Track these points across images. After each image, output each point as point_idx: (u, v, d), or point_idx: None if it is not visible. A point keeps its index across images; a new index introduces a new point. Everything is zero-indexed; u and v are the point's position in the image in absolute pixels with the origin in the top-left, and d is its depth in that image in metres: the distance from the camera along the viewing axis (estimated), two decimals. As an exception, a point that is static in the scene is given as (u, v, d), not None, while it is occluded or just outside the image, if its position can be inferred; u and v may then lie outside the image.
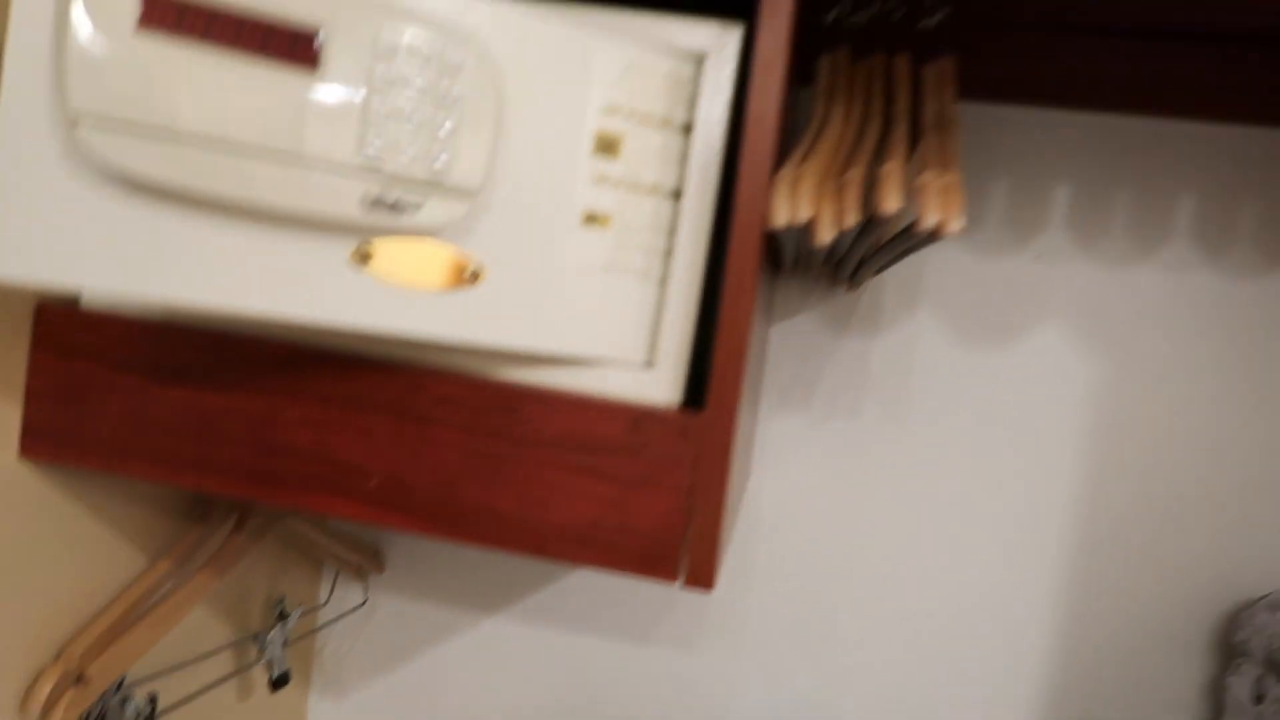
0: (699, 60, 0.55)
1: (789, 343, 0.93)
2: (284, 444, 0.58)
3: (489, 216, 0.52)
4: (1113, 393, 0.88)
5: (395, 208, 0.48)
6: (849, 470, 0.93)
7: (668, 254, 0.56)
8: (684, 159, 0.56)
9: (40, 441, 0.60)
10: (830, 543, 0.94)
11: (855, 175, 0.54)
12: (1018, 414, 0.89)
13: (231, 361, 0.57)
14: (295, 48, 0.45)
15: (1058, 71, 0.82)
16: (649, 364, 0.56)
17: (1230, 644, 0.85)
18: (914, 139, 0.62)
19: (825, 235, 0.51)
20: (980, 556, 0.91)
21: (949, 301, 0.90)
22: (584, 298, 0.55)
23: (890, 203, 0.50)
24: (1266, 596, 0.83)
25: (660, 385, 0.56)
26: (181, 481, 0.59)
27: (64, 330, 0.58)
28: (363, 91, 0.47)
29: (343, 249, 0.49)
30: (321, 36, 0.45)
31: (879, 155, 0.58)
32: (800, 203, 0.51)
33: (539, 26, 0.52)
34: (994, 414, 0.90)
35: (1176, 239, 0.87)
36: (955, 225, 0.50)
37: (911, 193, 0.52)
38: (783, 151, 0.57)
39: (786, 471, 0.94)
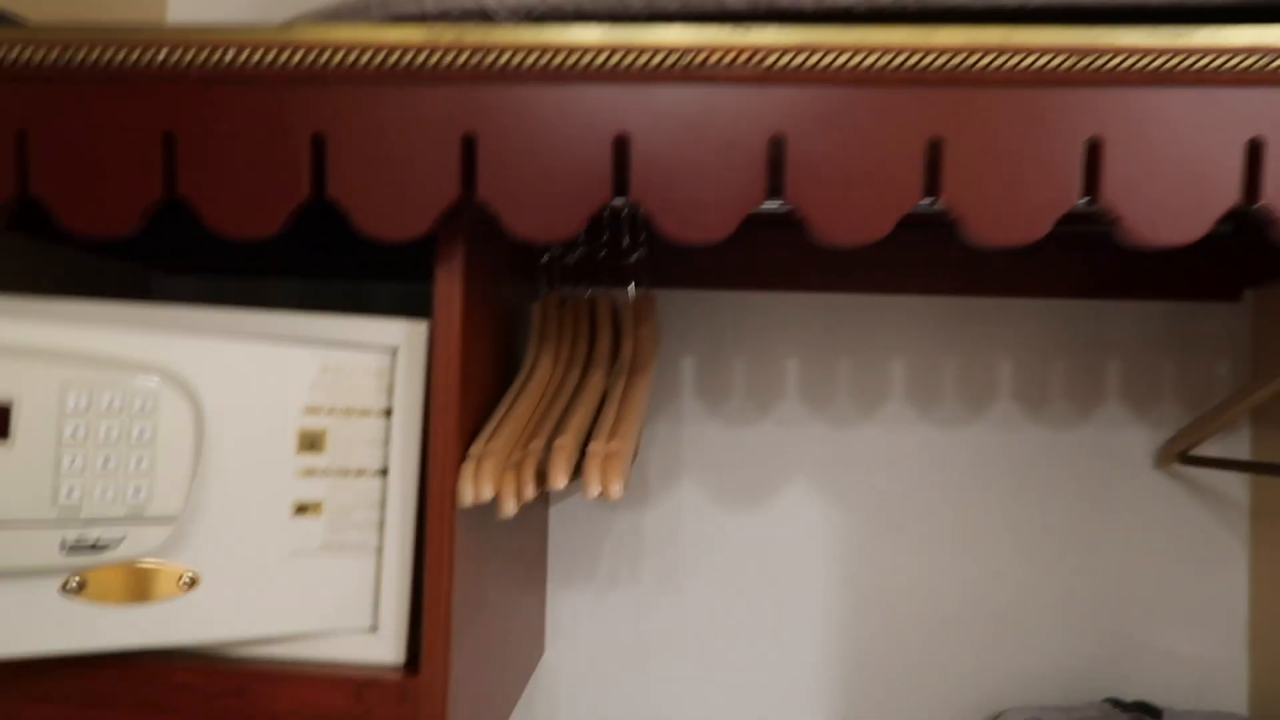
0: (393, 352, 0.62)
1: (567, 521, 1.00)
2: (28, 744, 0.60)
3: (200, 527, 0.57)
4: (852, 538, 0.98)
5: (96, 546, 0.52)
6: (633, 635, 0.99)
7: (381, 526, 0.62)
8: (388, 441, 0.62)
9: None
10: (621, 706, 1.00)
11: (536, 447, 0.61)
12: (775, 566, 0.98)
13: (-34, 675, 0.59)
14: (-17, 422, 0.49)
15: (770, 261, 0.94)
16: (373, 629, 0.61)
17: (981, 758, 0.95)
18: (610, 381, 0.70)
19: (508, 509, 0.58)
20: (753, 693, 0.98)
21: (706, 470, 0.99)
22: (303, 579, 0.60)
23: (558, 480, 0.58)
24: (1001, 715, 0.92)
25: (385, 648, 0.61)
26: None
27: None
28: (54, 450, 0.51)
29: (52, 585, 0.53)
30: (11, 410, 0.50)
31: (568, 414, 0.65)
32: (483, 483, 0.58)
33: (231, 349, 0.58)
34: (754, 567, 0.98)
35: (892, 398, 0.98)
36: (615, 492, 0.58)
37: (582, 460, 0.60)
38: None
39: (577, 642, 1.00)
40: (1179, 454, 0.92)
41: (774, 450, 0.99)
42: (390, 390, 0.62)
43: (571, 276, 0.81)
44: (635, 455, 0.85)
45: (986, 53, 0.51)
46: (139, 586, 0.55)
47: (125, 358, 0.54)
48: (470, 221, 0.59)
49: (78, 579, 0.54)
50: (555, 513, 1.00)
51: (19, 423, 0.51)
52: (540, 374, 0.71)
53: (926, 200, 0.52)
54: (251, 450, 0.58)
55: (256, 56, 0.54)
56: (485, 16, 0.59)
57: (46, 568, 0.52)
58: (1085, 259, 0.93)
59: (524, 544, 0.84)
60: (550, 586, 1.00)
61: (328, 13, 0.63)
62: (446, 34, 0.53)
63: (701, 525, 0.99)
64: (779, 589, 0.98)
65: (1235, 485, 0.96)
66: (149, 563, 0.55)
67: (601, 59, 0.53)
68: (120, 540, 0.53)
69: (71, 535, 0.52)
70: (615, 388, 0.69)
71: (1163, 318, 0.96)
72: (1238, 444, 0.96)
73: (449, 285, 0.59)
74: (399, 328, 0.62)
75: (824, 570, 0.98)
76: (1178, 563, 0.96)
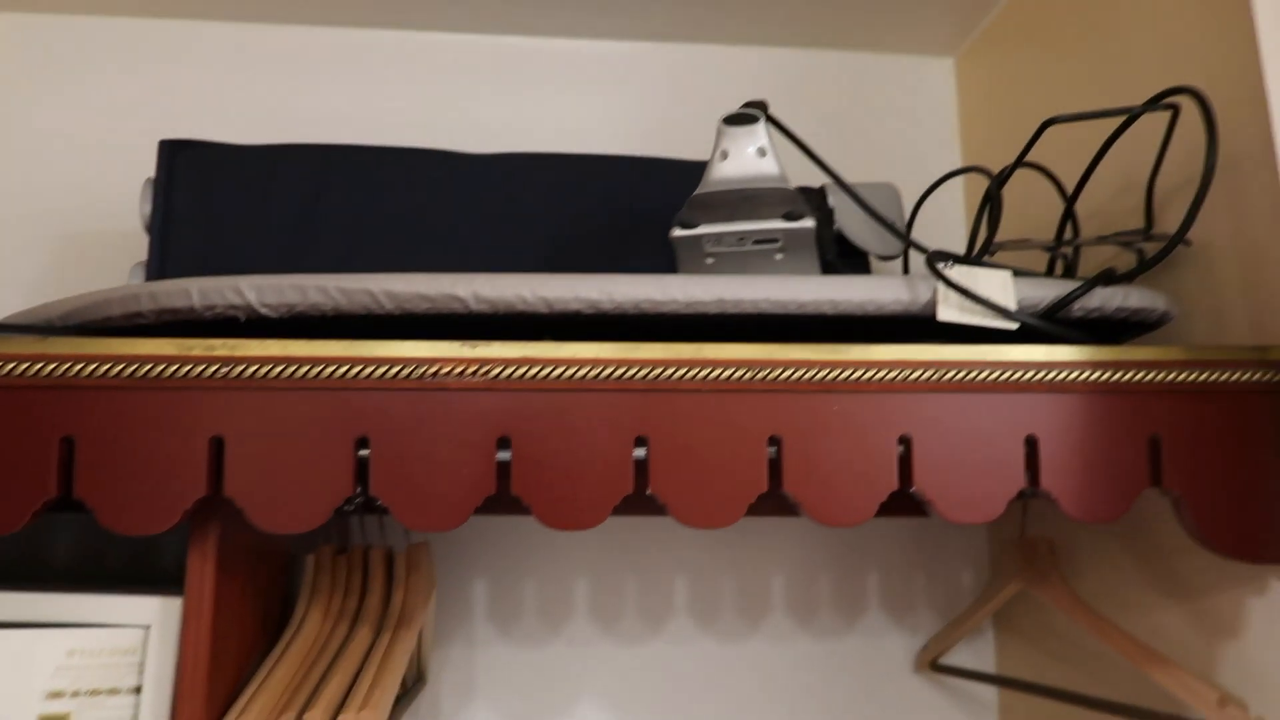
0: (146, 629, 0.63)
1: (358, 754, 0.99)
2: None
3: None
4: (643, 759, 1.01)
5: None
6: None
7: (125, 810, 0.61)
8: (137, 719, 0.62)
9: None
10: None
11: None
12: (568, 792, 1.00)
13: None
14: None
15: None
16: None
17: None
18: (377, 637, 0.73)
19: (253, 791, 0.59)
20: None
21: (499, 691, 1.01)
22: None
23: (304, 759, 0.60)
24: None
25: None
26: None
27: None
28: None
29: None
30: None
31: (325, 679, 0.68)
32: (228, 765, 0.59)
33: (-30, 643, 0.58)
34: (548, 795, 1.00)
35: (676, 615, 1.04)
36: (362, 767, 0.60)
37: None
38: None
39: None
40: (930, 662, 1.00)
41: (565, 670, 1.02)
42: (141, 667, 0.63)
43: (348, 525, 0.84)
44: (423, 685, 0.87)
45: (682, 365, 0.60)
46: None
47: None
48: (223, 505, 0.62)
49: None
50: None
51: None
52: (307, 631, 0.73)
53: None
54: (-17, 746, 0.58)
55: (10, 367, 0.57)
56: (253, 313, 0.65)
57: None
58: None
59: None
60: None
61: (101, 304, 0.66)
62: (196, 346, 0.58)
63: (495, 749, 1.00)
64: (571, 813, 1.00)
65: (985, 687, 1.05)
66: None
67: (344, 370, 0.58)
68: None
69: None
70: (379, 645, 0.71)
71: (912, 532, 1.07)
72: (984, 648, 1.06)
73: (201, 567, 0.61)
74: (152, 605, 0.64)
75: (615, 790, 1.00)
76: (937, 766, 1.03)
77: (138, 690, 0.63)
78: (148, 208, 0.87)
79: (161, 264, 0.86)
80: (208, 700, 0.61)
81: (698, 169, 0.91)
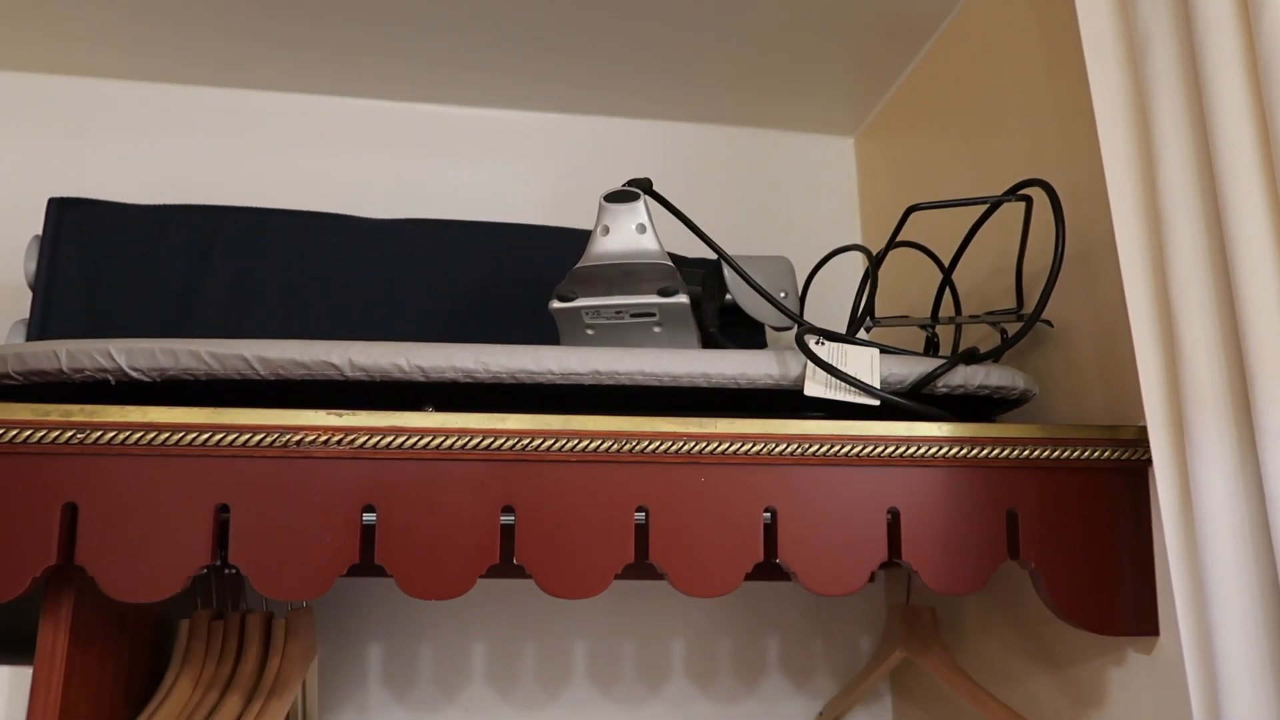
0: (-6, 702, 0.61)
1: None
2: None
3: None
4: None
5: None
6: None
7: None
8: (-22, 797, 0.60)
9: None
10: None
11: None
12: None
13: None
14: None
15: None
16: None
17: None
18: (246, 707, 0.71)
19: None
20: None
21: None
22: None
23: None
24: None
25: None
26: None
27: None
28: None
29: None
30: None
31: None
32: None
33: None
34: None
35: (575, 680, 1.03)
36: None
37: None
38: None
39: None
40: (827, 728, 1.01)
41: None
42: (-13, 742, 0.61)
43: (230, 589, 0.83)
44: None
45: (550, 436, 0.61)
46: None
47: None
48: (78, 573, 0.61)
49: None
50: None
51: None
52: (174, 700, 0.71)
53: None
54: None
55: None
56: (123, 376, 0.64)
57: None
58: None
59: None
60: None
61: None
62: (53, 411, 0.57)
63: (385, 822, 0.98)
64: None
65: (883, 752, 1.05)
66: None
67: (205, 437, 0.58)
68: None
69: None
70: (248, 714, 0.70)
71: (811, 596, 1.08)
72: (881, 713, 1.06)
73: (52, 637, 0.60)
74: (1, 674, 0.62)
75: None
76: (831, 834, 1.02)
77: (-19, 766, 0.61)
78: (32, 265, 0.86)
79: (44, 322, 0.85)
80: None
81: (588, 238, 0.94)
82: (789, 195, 1.21)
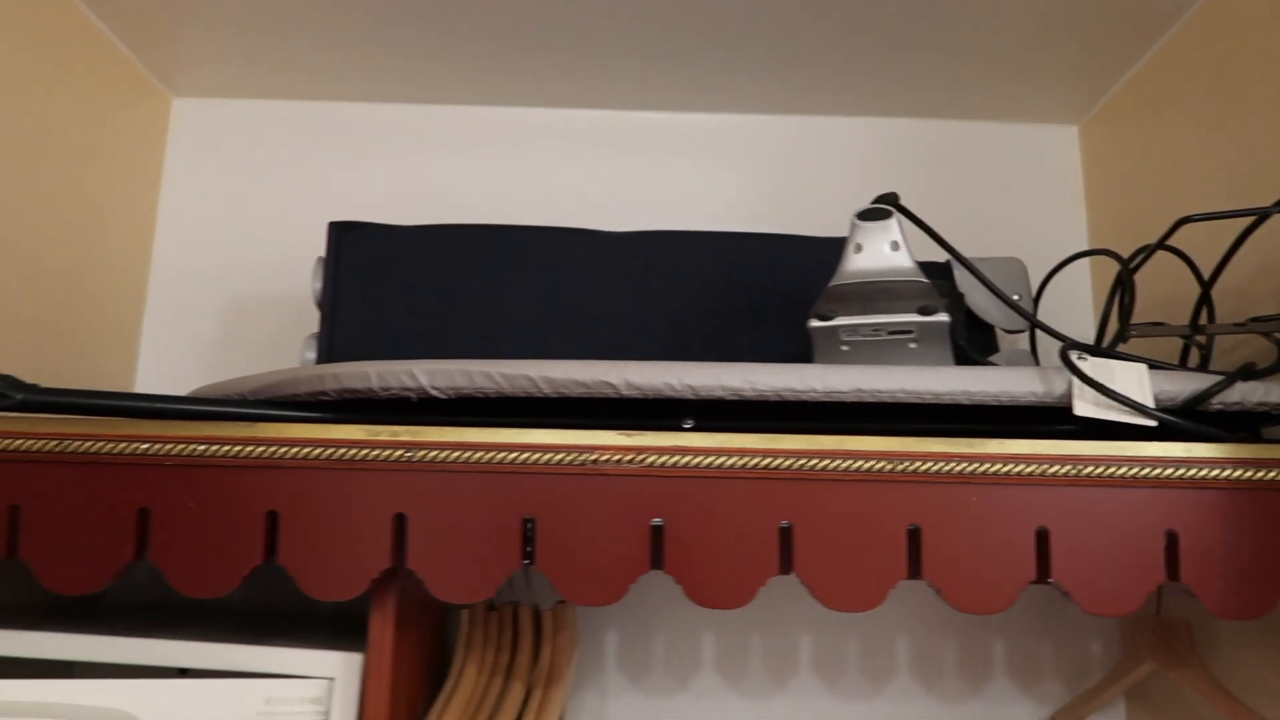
0: (331, 681, 0.70)
1: (496, 794, 1.04)
2: None
3: None
4: (768, 814, 1.04)
5: None
6: None
7: (311, 847, 0.68)
8: (322, 764, 0.69)
9: None
10: None
11: (453, 774, 0.68)
12: (694, 842, 1.03)
13: None
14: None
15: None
16: None
17: None
18: (529, 692, 0.78)
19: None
20: None
21: (629, 742, 1.05)
22: None
23: (469, 811, 0.65)
24: None
25: None
26: None
27: None
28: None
29: None
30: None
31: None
32: (403, 813, 0.65)
33: (184, 689, 0.66)
34: (675, 844, 1.03)
35: (801, 672, 1.06)
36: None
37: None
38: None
39: None
40: (1059, 733, 1.00)
41: (692, 719, 1.06)
42: (327, 715, 0.70)
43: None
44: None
45: (824, 456, 0.64)
46: None
47: (94, 705, 0.62)
48: (401, 576, 0.69)
49: None
50: (485, 785, 1.05)
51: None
52: (465, 684, 0.79)
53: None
54: (197, 783, 0.65)
55: (223, 449, 0.65)
56: (424, 394, 0.71)
57: None
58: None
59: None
60: None
61: (289, 382, 0.74)
62: (383, 432, 0.65)
63: (624, 797, 1.05)
64: None
65: (1115, 759, 1.04)
66: None
67: (513, 456, 0.64)
68: None
69: None
70: (533, 701, 0.77)
71: (1039, 599, 1.07)
72: (1115, 717, 1.05)
73: (381, 628, 0.68)
74: (336, 660, 0.70)
75: (739, 844, 1.03)
76: (1065, 838, 1.02)
77: (323, 737, 0.70)
78: (318, 285, 0.96)
79: (331, 336, 0.94)
80: (385, 751, 0.67)
81: (822, 244, 0.95)
82: (1009, 191, 1.19)
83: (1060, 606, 1.07)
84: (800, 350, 0.89)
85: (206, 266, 1.18)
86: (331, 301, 0.95)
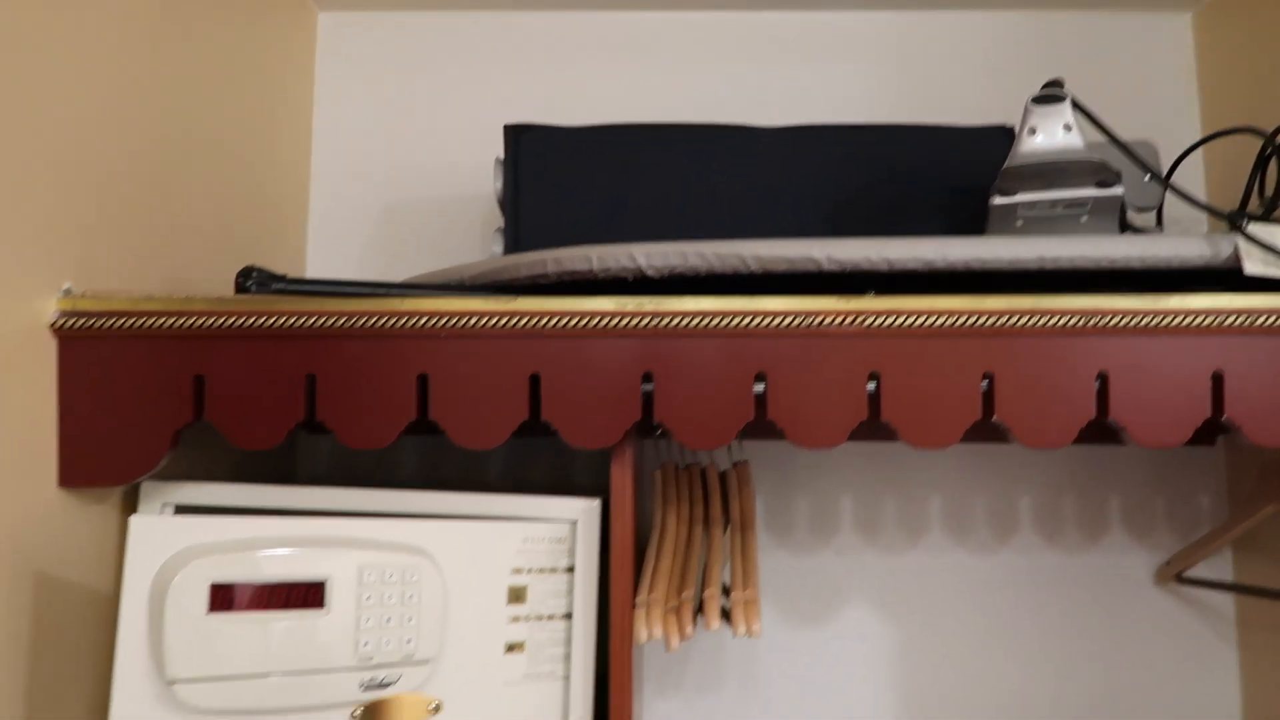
0: (574, 524, 0.81)
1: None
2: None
3: (442, 665, 0.75)
4: (902, 649, 1.16)
5: (383, 685, 0.70)
6: (720, 739, 1.16)
7: (568, 659, 0.80)
8: (571, 591, 0.81)
9: None
10: (713, 803, 1.16)
11: (687, 596, 0.80)
12: (837, 674, 1.16)
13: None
14: (309, 597, 0.68)
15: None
16: (562, 740, 0.79)
17: (1023, 841, 1.11)
18: (727, 530, 0.89)
19: (673, 645, 0.77)
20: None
21: (776, 593, 1.17)
22: (512, 702, 0.78)
23: (713, 624, 0.77)
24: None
25: (572, 755, 0.78)
26: None
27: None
28: (354, 613, 0.70)
29: (343, 715, 0.71)
30: (326, 585, 0.69)
31: (704, 567, 0.84)
32: (653, 626, 0.76)
33: (467, 529, 0.77)
34: (819, 675, 1.16)
35: (932, 530, 1.17)
36: (756, 632, 0.76)
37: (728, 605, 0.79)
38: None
39: (671, 746, 1.17)
40: (1175, 575, 1.11)
41: (833, 576, 1.18)
42: (570, 552, 0.81)
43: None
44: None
45: (1022, 314, 0.72)
46: (402, 713, 0.73)
47: (398, 541, 0.73)
48: (637, 430, 0.79)
49: (361, 709, 0.71)
50: (650, 632, 1.18)
51: (331, 595, 0.70)
52: (670, 532, 0.90)
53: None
54: (478, 605, 0.77)
55: (493, 321, 0.74)
56: (639, 274, 0.80)
57: (348, 702, 0.70)
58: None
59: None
60: (646, 695, 1.17)
61: (510, 267, 0.83)
62: (629, 303, 0.74)
63: (773, 640, 1.17)
64: (842, 693, 1.16)
65: (1223, 599, 1.15)
66: (409, 695, 0.73)
67: (748, 321, 0.73)
68: (398, 679, 0.71)
69: (366, 677, 0.70)
70: (734, 543, 0.88)
71: (1154, 462, 1.17)
72: (1221, 562, 1.15)
73: (621, 476, 0.78)
74: (579, 505, 0.81)
75: (879, 676, 1.16)
76: (1178, 665, 1.14)
77: (570, 569, 0.81)
78: (499, 184, 1.04)
79: (516, 231, 1.03)
80: (630, 578, 0.78)
81: (963, 134, 1.02)
82: (1123, 81, 1.24)
83: (1171, 463, 1.16)
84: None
85: (362, 174, 1.26)
86: (514, 199, 1.03)
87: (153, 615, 0.66)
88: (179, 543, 0.67)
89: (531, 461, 1.19)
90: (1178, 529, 1.16)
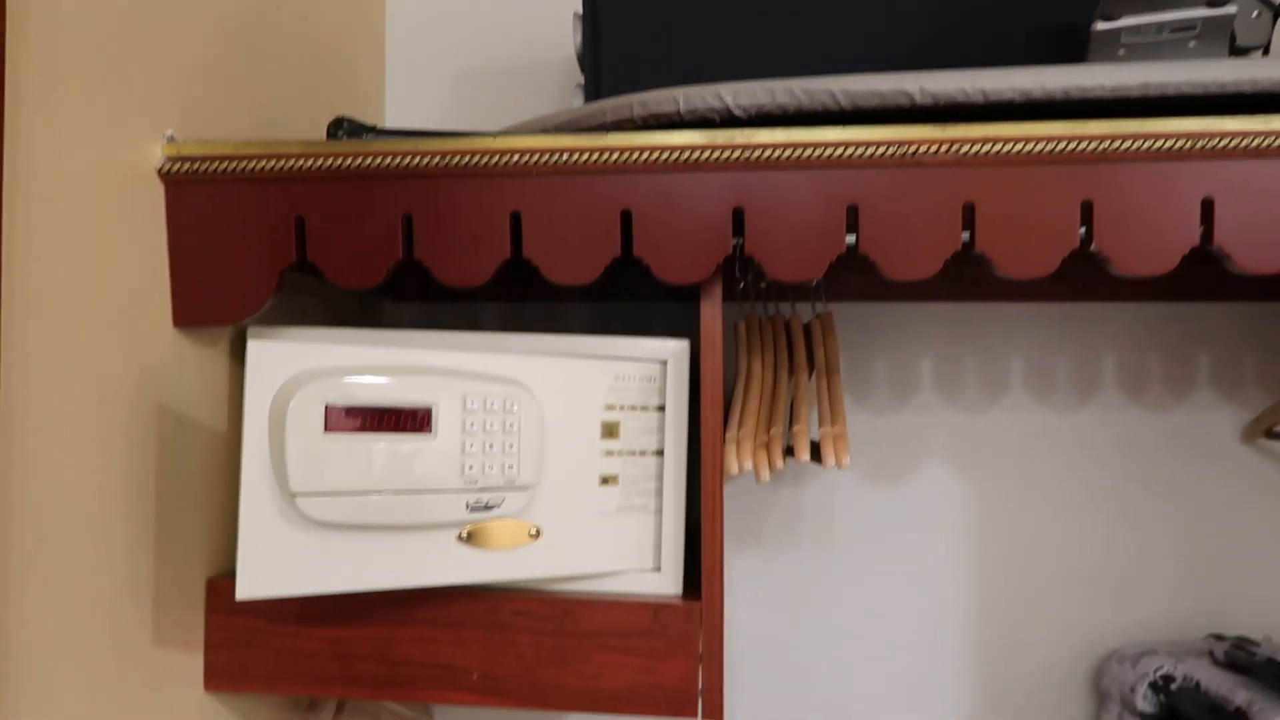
0: (664, 364, 0.83)
1: (739, 495, 1.20)
2: (403, 657, 0.82)
3: (541, 493, 0.78)
4: (981, 507, 1.17)
5: (487, 507, 0.74)
6: (795, 591, 1.20)
7: (659, 493, 0.83)
8: (662, 429, 0.83)
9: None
10: (788, 647, 1.20)
11: (776, 433, 0.81)
12: (914, 531, 1.18)
13: (359, 604, 0.81)
14: (418, 421, 0.71)
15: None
16: (657, 569, 0.82)
17: (1098, 690, 1.13)
18: (812, 376, 0.90)
19: (763, 478, 0.79)
20: (899, 641, 1.18)
21: (855, 452, 1.19)
22: (606, 532, 0.81)
23: (803, 455, 0.78)
24: (1115, 651, 1.11)
25: (666, 583, 0.82)
26: (328, 692, 0.83)
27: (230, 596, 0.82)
28: (460, 438, 0.73)
29: (451, 535, 0.75)
30: (432, 411, 0.72)
31: (792, 410, 0.86)
32: (744, 459, 0.78)
33: (560, 365, 0.79)
34: (897, 533, 1.18)
35: (1013, 390, 1.17)
36: (845, 464, 0.78)
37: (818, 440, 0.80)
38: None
39: (747, 597, 1.21)
40: (1265, 431, 1.09)
41: (912, 435, 1.19)
42: (661, 391, 0.83)
43: (761, 296, 1.01)
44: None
45: (1124, 139, 0.71)
46: (505, 536, 0.77)
47: (497, 374, 0.76)
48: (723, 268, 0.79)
49: (468, 530, 0.75)
50: (729, 488, 1.21)
51: (438, 421, 0.73)
52: (755, 377, 0.91)
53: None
54: (573, 438, 0.80)
55: (584, 157, 0.75)
56: (726, 114, 0.80)
57: (455, 522, 0.74)
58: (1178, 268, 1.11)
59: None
60: (726, 549, 1.21)
61: (596, 112, 0.83)
62: (720, 136, 0.74)
63: (851, 498, 1.19)
64: (918, 551, 1.18)
65: (1311, 456, 1.13)
66: (512, 519, 0.77)
67: (839, 151, 0.73)
68: (501, 502, 0.75)
69: (472, 499, 0.73)
70: (821, 385, 0.89)
71: (1244, 317, 1.14)
72: (1313, 421, 1.13)
73: (711, 314, 0.79)
74: (668, 345, 0.83)
75: (957, 534, 1.17)
76: (1266, 520, 1.13)
77: (660, 408, 0.83)
78: (578, 38, 1.03)
79: (596, 85, 1.02)
80: (720, 414, 0.80)
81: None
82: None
83: (1264, 323, 1.13)
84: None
85: (438, 38, 1.26)
86: (593, 51, 1.02)
87: (274, 433, 0.69)
88: (295, 366, 0.70)
89: (609, 328, 1.21)
90: (1269, 386, 1.14)
